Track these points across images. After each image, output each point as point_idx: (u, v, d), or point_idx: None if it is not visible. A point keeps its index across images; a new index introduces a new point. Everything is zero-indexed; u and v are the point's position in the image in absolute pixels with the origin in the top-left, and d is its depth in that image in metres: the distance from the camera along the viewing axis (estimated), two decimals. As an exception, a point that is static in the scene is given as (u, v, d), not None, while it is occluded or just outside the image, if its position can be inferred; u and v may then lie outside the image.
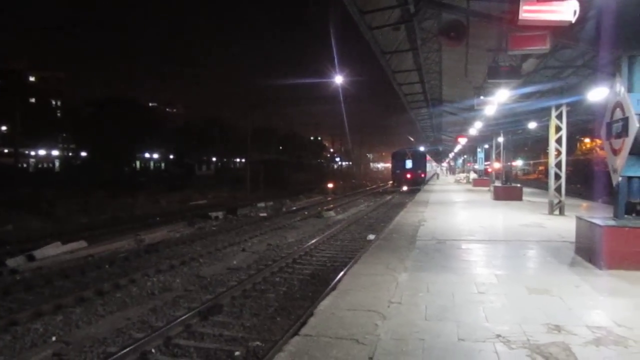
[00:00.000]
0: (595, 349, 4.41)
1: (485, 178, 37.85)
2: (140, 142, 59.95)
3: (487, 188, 30.41)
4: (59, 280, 10.45)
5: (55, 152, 70.10)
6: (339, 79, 28.86)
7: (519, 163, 73.64)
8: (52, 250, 13.26)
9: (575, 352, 4.33)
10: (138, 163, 79.78)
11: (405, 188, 40.88)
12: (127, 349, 6.21)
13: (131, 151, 62.74)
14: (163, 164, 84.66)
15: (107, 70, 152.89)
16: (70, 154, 68.92)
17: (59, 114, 69.45)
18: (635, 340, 4.60)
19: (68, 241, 14.20)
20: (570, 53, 11.65)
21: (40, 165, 70.32)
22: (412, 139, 55.97)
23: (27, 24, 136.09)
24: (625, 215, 7.84)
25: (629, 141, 7.25)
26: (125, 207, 26.22)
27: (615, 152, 7.77)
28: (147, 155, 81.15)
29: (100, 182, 37.27)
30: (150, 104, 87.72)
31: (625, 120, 7.34)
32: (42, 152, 68.79)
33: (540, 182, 44.87)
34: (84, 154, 64.75)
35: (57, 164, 70.22)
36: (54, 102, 72.47)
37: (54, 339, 7.09)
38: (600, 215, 8.91)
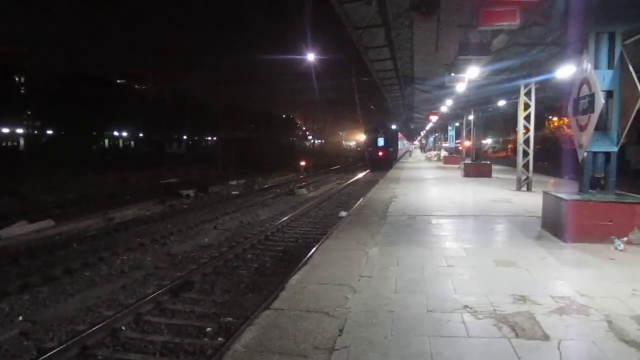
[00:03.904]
0: (559, 318, 4.54)
1: (456, 156, 38.31)
2: (108, 119, 58.70)
3: (457, 165, 30.80)
4: (26, 259, 10.21)
5: (20, 131, 68.10)
6: (311, 57, 28.50)
7: (489, 141, 74.66)
8: (19, 230, 12.96)
9: (540, 321, 4.45)
10: (107, 141, 78.30)
11: (377, 167, 40.82)
12: (97, 327, 6.13)
13: (99, 129, 61.43)
14: (133, 143, 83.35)
15: (73, 46, 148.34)
16: (36, 132, 67.10)
17: (22, 91, 67.25)
18: (596, 309, 4.75)
19: (35, 220, 13.88)
20: (540, 30, 11.76)
21: (4, 144, 68.25)
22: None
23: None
24: (590, 190, 8.05)
25: (594, 117, 7.42)
26: (94, 186, 25.68)
27: (581, 129, 7.94)
28: (116, 133, 79.74)
29: (67, 161, 36.42)
30: (118, 81, 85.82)
31: (592, 97, 7.49)
32: (5, 130, 66.80)
33: (509, 160, 45.50)
34: (50, 132, 63.18)
35: (22, 142, 68.24)
36: (17, 79, 70.01)
37: (20, 318, 6.96)
38: (566, 191, 9.11)
